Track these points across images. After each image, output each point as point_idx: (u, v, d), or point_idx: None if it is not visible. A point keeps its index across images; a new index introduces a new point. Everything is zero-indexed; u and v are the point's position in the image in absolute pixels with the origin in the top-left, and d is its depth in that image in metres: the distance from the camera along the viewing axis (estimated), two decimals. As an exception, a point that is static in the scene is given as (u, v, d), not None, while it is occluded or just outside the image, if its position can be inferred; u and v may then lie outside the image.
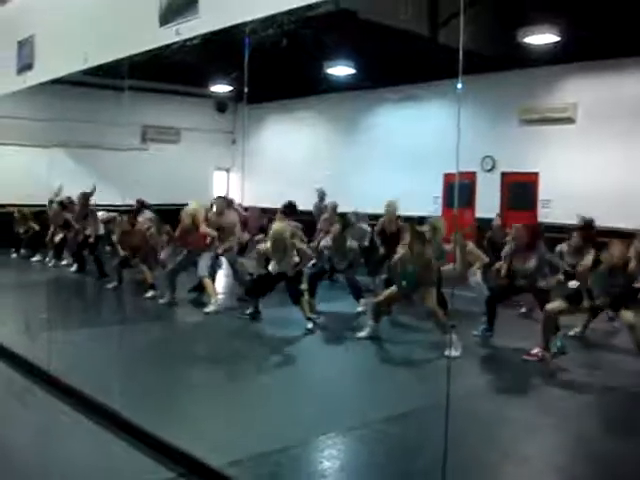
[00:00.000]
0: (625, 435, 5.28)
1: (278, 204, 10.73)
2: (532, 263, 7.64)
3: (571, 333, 7.98)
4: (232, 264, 10.35)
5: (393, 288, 7.91)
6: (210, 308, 9.26)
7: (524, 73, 12.83)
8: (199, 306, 9.59)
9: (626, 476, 4.51)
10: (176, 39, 4.50)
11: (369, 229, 10.85)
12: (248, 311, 8.87)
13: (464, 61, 10.22)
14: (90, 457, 4.66)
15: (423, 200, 12.23)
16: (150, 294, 10.29)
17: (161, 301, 9.85)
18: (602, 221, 9.27)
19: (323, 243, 9.78)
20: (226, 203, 10.66)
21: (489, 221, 11.47)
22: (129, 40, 4.96)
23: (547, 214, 12.72)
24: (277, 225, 8.95)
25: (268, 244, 8.57)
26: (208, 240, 9.63)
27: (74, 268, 12.90)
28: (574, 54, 11.63)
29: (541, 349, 7.00)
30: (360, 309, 9.40)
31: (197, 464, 4.25)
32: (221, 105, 19.10)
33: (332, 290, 10.76)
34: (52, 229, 13.54)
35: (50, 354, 6.21)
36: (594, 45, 11.00)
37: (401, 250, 8.04)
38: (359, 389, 6.41)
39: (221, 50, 7.90)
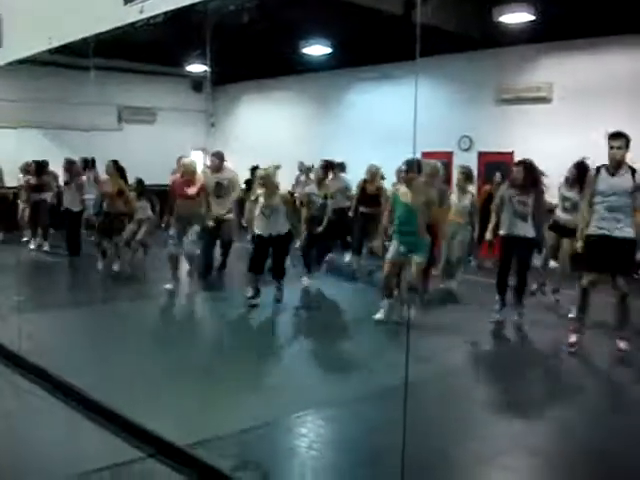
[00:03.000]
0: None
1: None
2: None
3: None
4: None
5: (392, 252, 7.53)
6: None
7: (500, 52, 12.79)
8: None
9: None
10: (140, 17, 4.45)
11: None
12: (249, 294, 8.39)
13: (441, 41, 10.14)
14: (60, 438, 4.68)
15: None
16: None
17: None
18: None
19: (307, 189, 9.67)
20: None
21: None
22: (93, 19, 4.89)
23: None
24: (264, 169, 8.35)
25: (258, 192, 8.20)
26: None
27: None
28: (549, 33, 11.61)
29: None
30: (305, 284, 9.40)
31: (165, 444, 4.27)
32: (197, 84, 18.95)
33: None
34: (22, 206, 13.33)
35: (20, 335, 6.19)
36: (569, 24, 11.01)
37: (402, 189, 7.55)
38: (331, 369, 6.44)
39: (192, 29, 7.85)
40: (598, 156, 6.51)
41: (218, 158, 10.06)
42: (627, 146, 6.17)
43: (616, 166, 6.24)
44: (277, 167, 8.29)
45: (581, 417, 5.22)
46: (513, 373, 6.29)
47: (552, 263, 8.73)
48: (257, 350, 6.88)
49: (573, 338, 6.60)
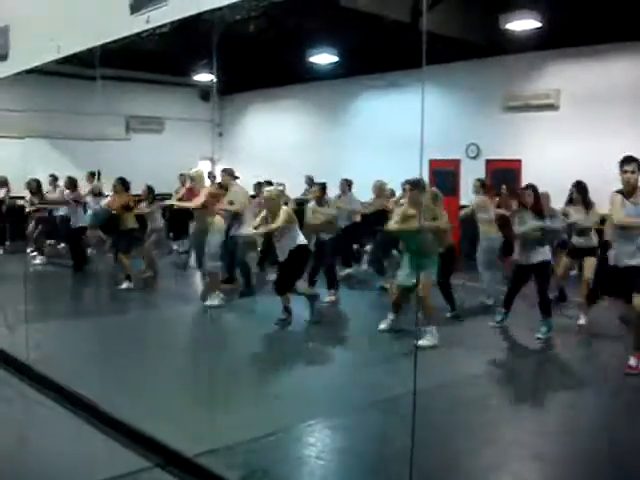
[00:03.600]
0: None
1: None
2: None
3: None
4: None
5: (401, 276, 7.47)
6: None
7: (507, 60, 12.80)
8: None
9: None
10: (147, 27, 4.46)
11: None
12: (282, 317, 8.05)
13: (448, 48, 10.14)
14: (68, 448, 4.67)
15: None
16: (125, 285, 10.23)
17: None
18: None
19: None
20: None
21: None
22: (101, 29, 4.90)
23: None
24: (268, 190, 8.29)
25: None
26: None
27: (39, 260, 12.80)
28: (556, 40, 11.61)
29: None
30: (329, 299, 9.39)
31: (172, 454, 4.25)
32: (204, 94, 19.00)
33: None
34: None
35: (28, 345, 6.19)
36: (576, 31, 11.00)
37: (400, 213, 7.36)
38: (341, 379, 6.40)
39: (198, 38, 7.87)
40: (605, 163, 6.46)
41: (228, 175, 10.07)
42: (639, 169, 6.12)
43: (631, 191, 6.16)
44: (281, 191, 8.31)
45: (590, 421, 5.19)
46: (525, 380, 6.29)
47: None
48: (263, 360, 6.87)
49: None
